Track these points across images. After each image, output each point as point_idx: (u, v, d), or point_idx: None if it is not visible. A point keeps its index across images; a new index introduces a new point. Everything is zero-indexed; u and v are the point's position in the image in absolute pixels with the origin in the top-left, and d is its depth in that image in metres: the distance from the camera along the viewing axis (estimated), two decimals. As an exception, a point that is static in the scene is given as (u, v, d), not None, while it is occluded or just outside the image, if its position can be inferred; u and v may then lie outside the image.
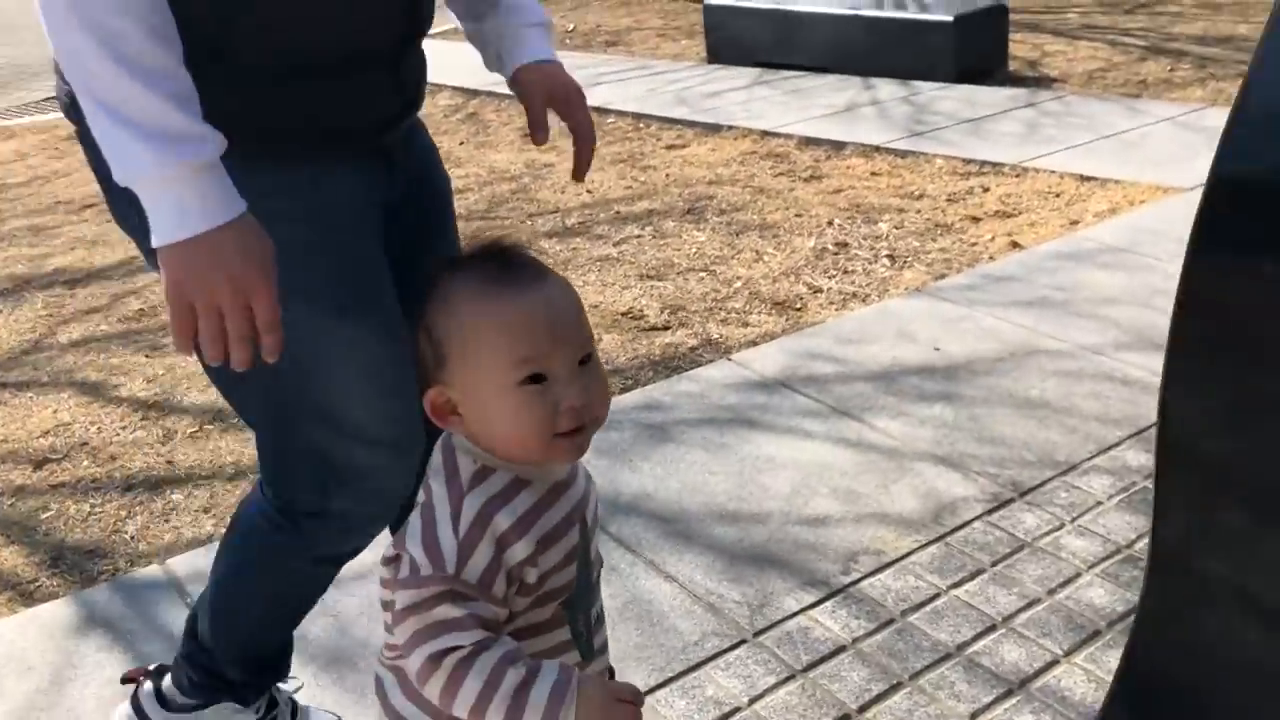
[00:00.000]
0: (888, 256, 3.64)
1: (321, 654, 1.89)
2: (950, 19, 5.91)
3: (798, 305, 3.31)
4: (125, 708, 1.61)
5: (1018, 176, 4.30)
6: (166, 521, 2.38)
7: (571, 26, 8.44)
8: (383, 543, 1.24)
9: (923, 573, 2.02)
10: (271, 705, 1.66)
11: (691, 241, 3.89)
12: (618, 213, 4.25)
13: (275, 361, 1.17)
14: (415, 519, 1.07)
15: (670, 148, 5.12)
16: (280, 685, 1.69)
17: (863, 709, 1.72)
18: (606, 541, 2.11)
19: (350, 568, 2.14)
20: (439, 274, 1.07)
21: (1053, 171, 4.28)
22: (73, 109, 1.20)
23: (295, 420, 1.35)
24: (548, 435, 1.03)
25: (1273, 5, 0.74)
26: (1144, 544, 2.01)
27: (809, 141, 5.00)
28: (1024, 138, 4.74)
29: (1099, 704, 1.54)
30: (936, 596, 1.95)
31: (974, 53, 5.96)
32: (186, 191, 1.09)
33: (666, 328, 3.18)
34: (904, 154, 4.68)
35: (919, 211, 4.02)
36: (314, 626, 1.95)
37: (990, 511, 2.17)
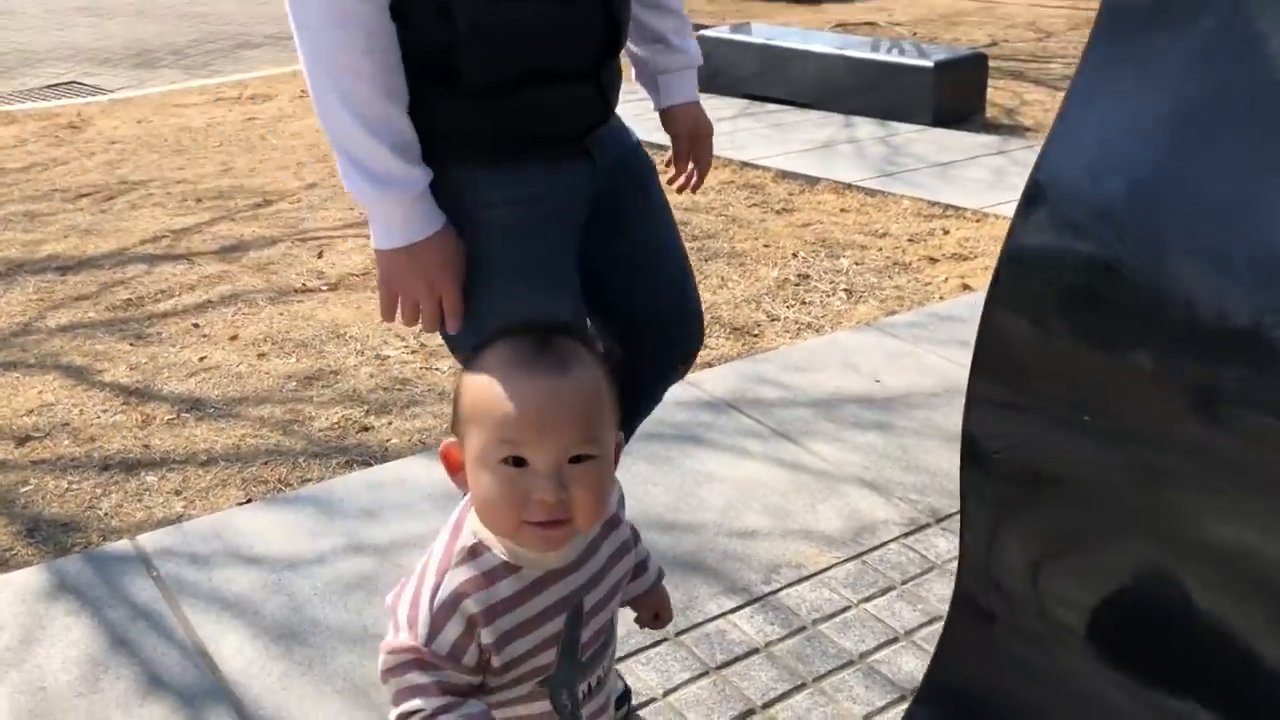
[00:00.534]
0: (845, 290, 3.82)
1: (274, 628, 2.04)
2: (931, 64, 6.12)
3: (755, 332, 3.48)
4: None
5: (978, 221, 4.48)
6: (139, 501, 2.52)
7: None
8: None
9: (837, 586, 2.18)
10: None
11: (661, 265, 4.05)
12: (594, 233, 4.41)
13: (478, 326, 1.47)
14: (413, 575, 1.13)
15: (651, 173, 5.29)
16: None
17: (766, 705, 1.88)
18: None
19: (305, 552, 2.30)
20: (496, 337, 1.12)
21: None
22: None
23: None
24: (516, 519, 1.05)
25: (1072, 81, 0.90)
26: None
27: (785, 175, 5.18)
28: (990, 184, 4.93)
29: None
30: (847, 609, 2.12)
31: (952, 98, 6.16)
32: (395, 216, 1.41)
33: (628, 346, 3.35)
34: (874, 193, 4.87)
35: (880, 249, 4.20)
36: (269, 604, 2.10)
37: (907, 534, 2.34)
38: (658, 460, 2.61)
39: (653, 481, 2.53)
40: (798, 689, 1.91)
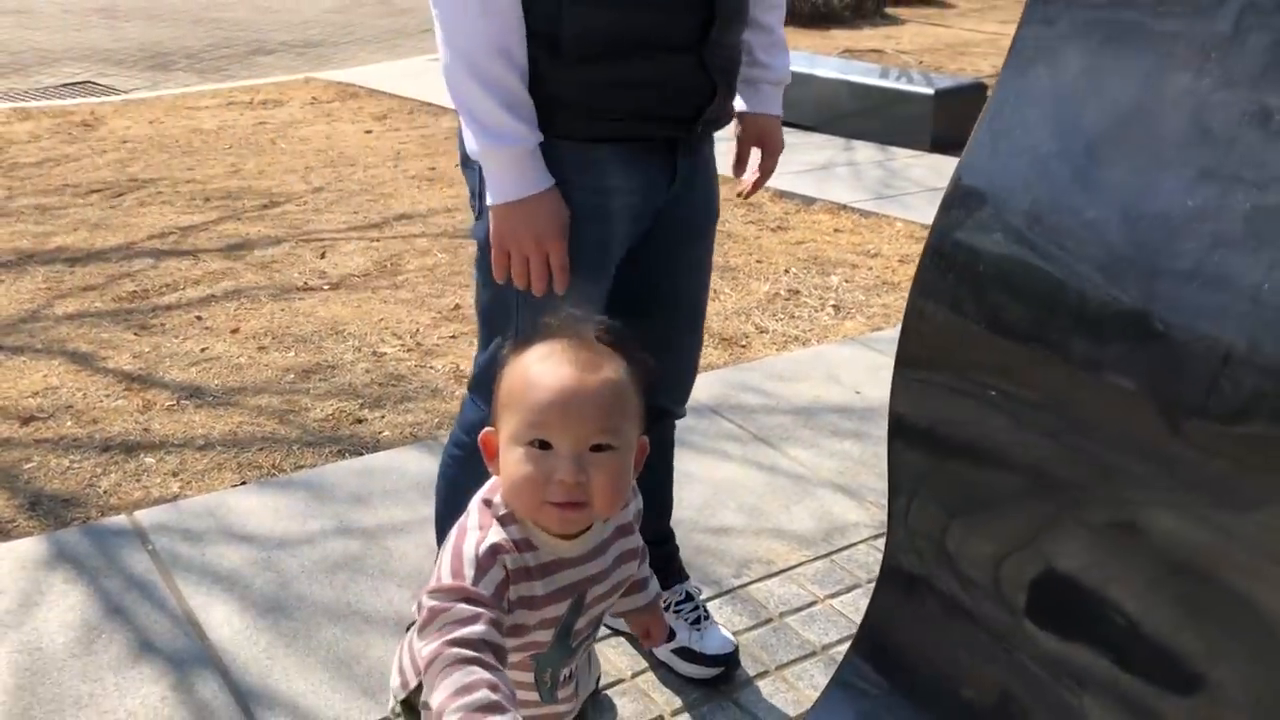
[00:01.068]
0: (833, 306, 3.91)
1: (262, 602, 2.12)
2: (931, 91, 6.24)
3: (743, 343, 3.57)
4: None
5: (968, 244, 4.58)
6: (137, 481, 2.61)
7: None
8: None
9: (805, 582, 2.26)
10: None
11: (655, 276, 4.15)
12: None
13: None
14: (454, 533, 1.20)
15: (651, 188, 5.39)
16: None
17: (730, 690, 1.96)
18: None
19: (295, 533, 2.38)
20: (533, 336, 1.21)
21: (1001, 243, 4.56)
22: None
23: (517, 303, 1.68)
24: (539, 498, 1.13)
25: (989, 98, 1.00)
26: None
27: (783, 194, 5.28)
28: (982, 209, 5.03)
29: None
30: (814, 603, 2.20)
31: (950, 125, 6.27)
32: (507, 171, 1.52)
33: (618, 352, 3.44)
34: (868, 214, 4.97)
35: (870, 269, 4.30)
36: (258, 579, 2.19)
37: (876, 536, 2.42)
38: (640, 459, 2.69)
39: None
40: (761, 675, 1.99)
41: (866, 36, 10.75)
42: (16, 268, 4.08)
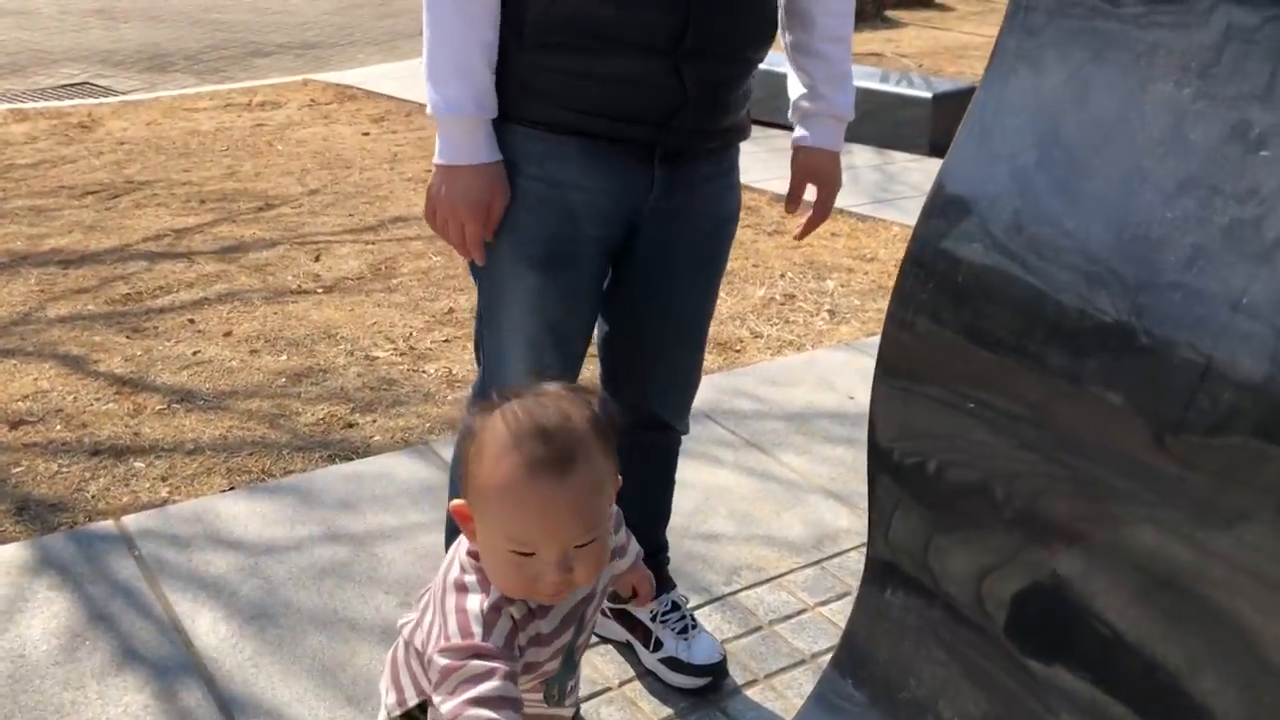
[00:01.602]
0: (828, 311, 3.90)
1: (248, 609, 2.11)
2: (929, 95, 6.23)
3: (737, 347, 3.56)
4: None
5: (964, 249, 4.57)
6: (126, 485, 2.60)
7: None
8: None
9: (795, 590, 2.25)
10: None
11: (650, 280, 4.14)
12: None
13: (488, 275, 1.68)
14: (451, 590, 1.18)
15: (648, 191, 5.38)
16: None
17: (718, 699, 1.94)
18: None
19: (282, 539, 2.37)
20: (499, 400, 1.15)
21: (998, 247, 4.55)
22: None
23: (485, 316, 1.76)
24: (526, 590, 1.14)
25: (969, 107, 0.99)
26: (992, 582, 2.24)
27: (780, 198, 5.27)
28: (979, 214, 5.02)
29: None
30: (803, 611, 2.19)
31: (949, 129, 6.25)
32: (454, 136, 1.56)
33: (612, 356, 3.43)
34: (865, 218, 4.96)
35: (866, 273, 4.29)
36: (244, 586, 2.17)
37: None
38: (631, 465, 2.68)
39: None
40: (750, 684, 1.98)
41: (866, 40, 10.75)
42: (9, 270, 4.07)
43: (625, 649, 2.03)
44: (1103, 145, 0.88)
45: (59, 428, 2.87)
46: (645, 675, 1.99)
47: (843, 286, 4.14)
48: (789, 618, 2.16)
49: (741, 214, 5.27)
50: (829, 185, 1.87)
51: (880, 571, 1.14)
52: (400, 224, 4.74)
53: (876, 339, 3.56)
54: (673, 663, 1.95)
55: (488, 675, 1.09)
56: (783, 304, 3.96)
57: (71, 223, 4.67)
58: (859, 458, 2.76)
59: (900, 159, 5.98)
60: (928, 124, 6.18)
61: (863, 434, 2.88)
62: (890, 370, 1.05)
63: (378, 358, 3.38)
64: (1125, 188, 0.86)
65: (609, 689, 1.96)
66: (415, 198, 5.13)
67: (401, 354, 3.41)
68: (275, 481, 2.60)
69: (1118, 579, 0.92)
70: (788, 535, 2.44)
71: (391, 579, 2.22)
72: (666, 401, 1.92)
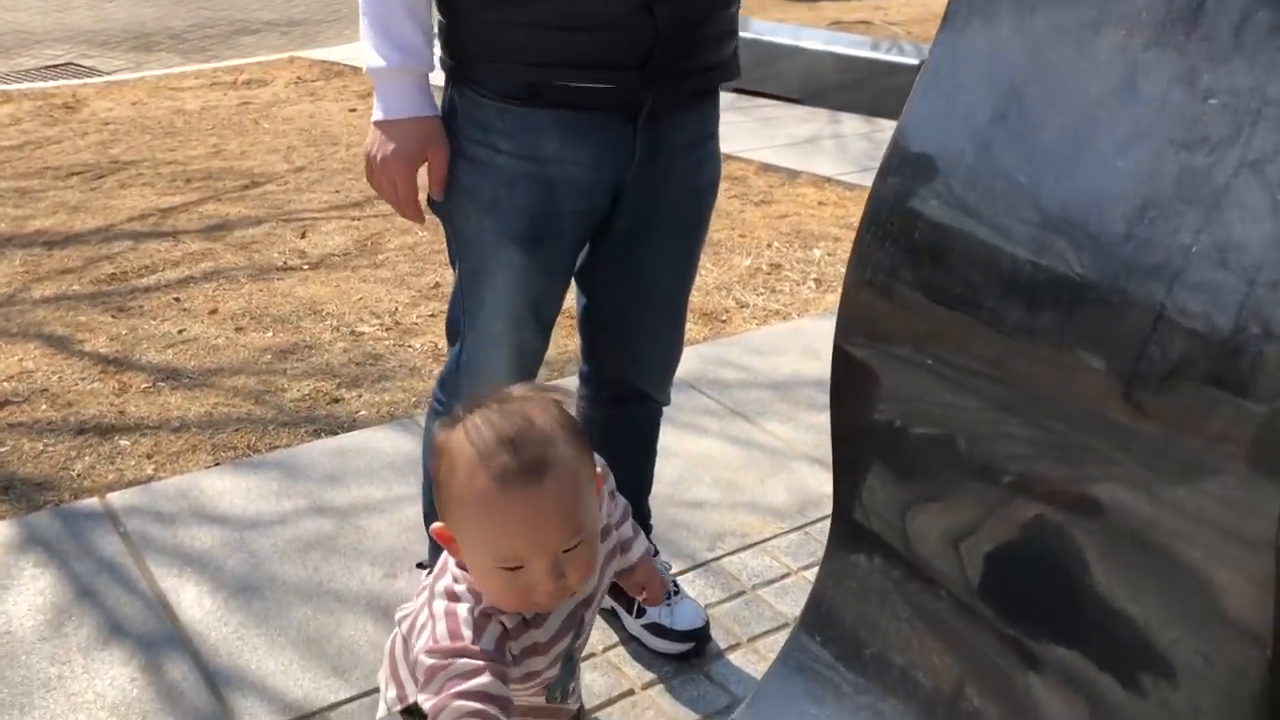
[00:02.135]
0: (815, 280, 3.90)
1: (233, 583, 2.12)
2: (917, 62, 6.20)
3: (723, 317, 3.56)
4: None
5: (952, 216, 4.56)
6: (112, 463, 2.60)
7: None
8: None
9: (779, 554, 2.26)
10: None
11: (637, 252, 4.14)
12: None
13: (469, 254, 1.68)
14: (441, 596, 1.16)
15: (635, 163, 5.37)
16: None
17: (701, 663, 1.96)
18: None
19: (267, 513, 2.38)
20: (462, 413, 1.11)
21: (985, 214, 4.54)
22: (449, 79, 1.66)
23: (466, 294, 1.73)
24: (521, 603, 1.12)
25: (924, 63, 0.99)
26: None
27: (767, 168, 5.26)
28: (967, 180, 5.01)
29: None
30: (786, 575, 2.20)
31: (937, 96, 6.24)
32: (387, 91, 1.57)
33: (598, 328, 3.43)
34: (852, 187, 4.95)
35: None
36: (229, 560, 2.18)
37: (851, 509, 2.42)
38: (616, 435, 2.69)
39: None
40: (733, 648, 2.00)
41: (855, 8, 10.69)
42: (-6, 251, 4.06)
43: (609, 615, 2.05)
44: (1056, 97, 0.88)
45: (44, 407, 2.87)
46: (629, 641, 2.00)
47: (829, 255, 4.13)
48: (772, 582, 2.18)
49: (728, 184, 5.26)
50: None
51: (845, 532, 1.15)
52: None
53: (863, 307, 3.58)
54: (656, 628, 1.96)
55: (476, 672, 1.08)
56: (769, 273, 3.95)
57: (56, 203, 4.65)
58: (843, 424, 2.77)
59: (888, 127, 5.96)
60: (916, 91, 6.16)
61: (848, 401, 2.91)
62: (850, 330, 1.05)
63: (363, 333, 3.37)
64: (1077, 139, 0.86)
65: (593, 654, 1.97)
66: (401, 173, 5.11)
67: (387, 329, 3.41)
68: (260, 457, 2.60)
69: (1078, 532, 0.93)
70: (771, 501, 2.45)
71: (377, 551, 2.23)
72: (648, 373, 1.92)
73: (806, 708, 1.10)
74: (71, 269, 3.88)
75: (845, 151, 5.50)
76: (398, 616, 1.29)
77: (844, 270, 3.67)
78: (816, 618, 1.16)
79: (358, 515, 2.35)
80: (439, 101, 1.66)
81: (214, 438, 2.72)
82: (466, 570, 1.16)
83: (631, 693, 1.89)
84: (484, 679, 1.07)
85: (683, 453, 2.62)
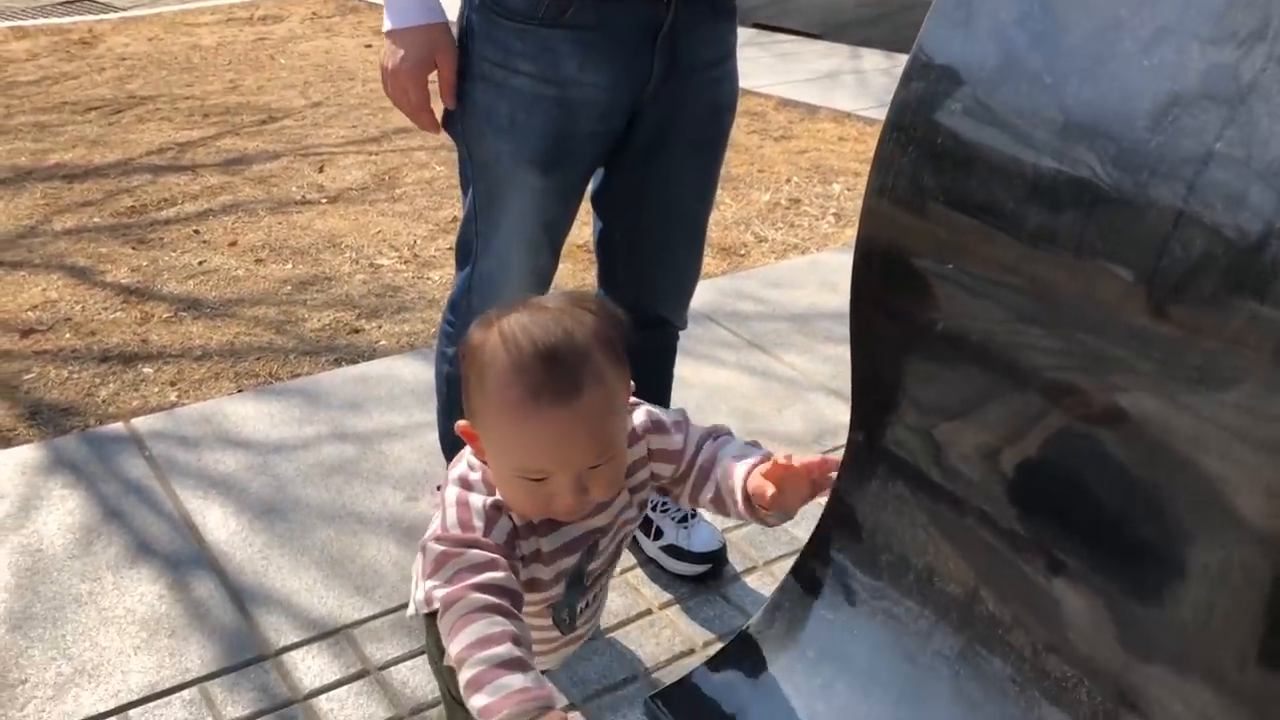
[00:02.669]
0: (834, 215, 3.88)
1: (257, 505, 2.15)
2: (940, -3, 6.11)
3: (741, 252, 3.55)
4: None
5: (973, 151, 4.52)
6: (136, 390, 2.64)
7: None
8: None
9: (795, 482, 2.28)
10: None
11: (655, 186, 4.12)
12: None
13: (484, 176, 1.67)
14: (455, 484, 1.16)
15: (653, 98, 5.33)
16: None
17: (718, 585, 1.99)
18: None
19: (290, 438, 2.41)
20: (497, 317, 1.08)
21: (1007, 150, 4.50)
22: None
23: (480, 217, 1.73)
24: (542, 511, 1.10)
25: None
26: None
27: (786, 103, 5.21)
28: (989, 116, 4.95)
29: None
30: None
31: (960, 32, 6.15)
32: (395, 3, 1.59)
33: (616, 261, 3.43)
34: (872, 121, 4.90)
35: (873, 176, 4.26)
36: (253, 483, 2.22)
37: (867, 438, 2.43)
38: (634, 365, 2.70)
39: (628, 384, 2.62)
40: (749, 571, 2.02)
41: (878, -57, 10.50)
42: (15, 184, 4.08)
43: (629, 546, 2.07)
44: (1075, 10, 0.86)
45: (68, 336, 2.90)
46: (647, 563, 2.03)
47: (849, 190, 4.10)
48: (788, 509, 2.19)
49: (747, 119, 5.22)
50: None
51: (863, 441, 1.16)
52: (403, 135, 4.71)
53: (882, 241, 3.57)
54: (673, 550, 1.98)
55: (490, 565, 1.06)
56: (788, 208, 3.94)
57: (75, 138, 4.66)
58: (861, 356, 2.77)
59: (910, 63, 5.88)
60: (938, 26, 6.07)
61: (866, 333, 2.90)
62: (870, 236, 1.05)
63: (382, 265, 3.39)
64: (1103, 39, 0.86)
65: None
66: (419, 108, 5.09)
67: (406, 262, 3.42)
68: (282, 384, 2.63)
69: (1095, 437, 0.94)
70: (788, 430, 2.46)
71: (399, 475, 2.26)
72: (665, 296, 1.92)
73: (823, 612, 1.12)
74: (91, 202, 3.90)
75: (865, 87, 5.44)
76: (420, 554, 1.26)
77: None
78: (834, 525, 1.18)
79: (379, 441, 2.38)
80: (457, 24, 1.65)
81: (236, 366, 2.75)
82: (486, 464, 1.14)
83: (649, 613, 1.92)
84: (498, 573, 1.05)
85: (700, 383, 2.63)
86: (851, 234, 3.68)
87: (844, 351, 2.78)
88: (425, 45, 1.60)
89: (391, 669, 1.76)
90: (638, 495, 1.24)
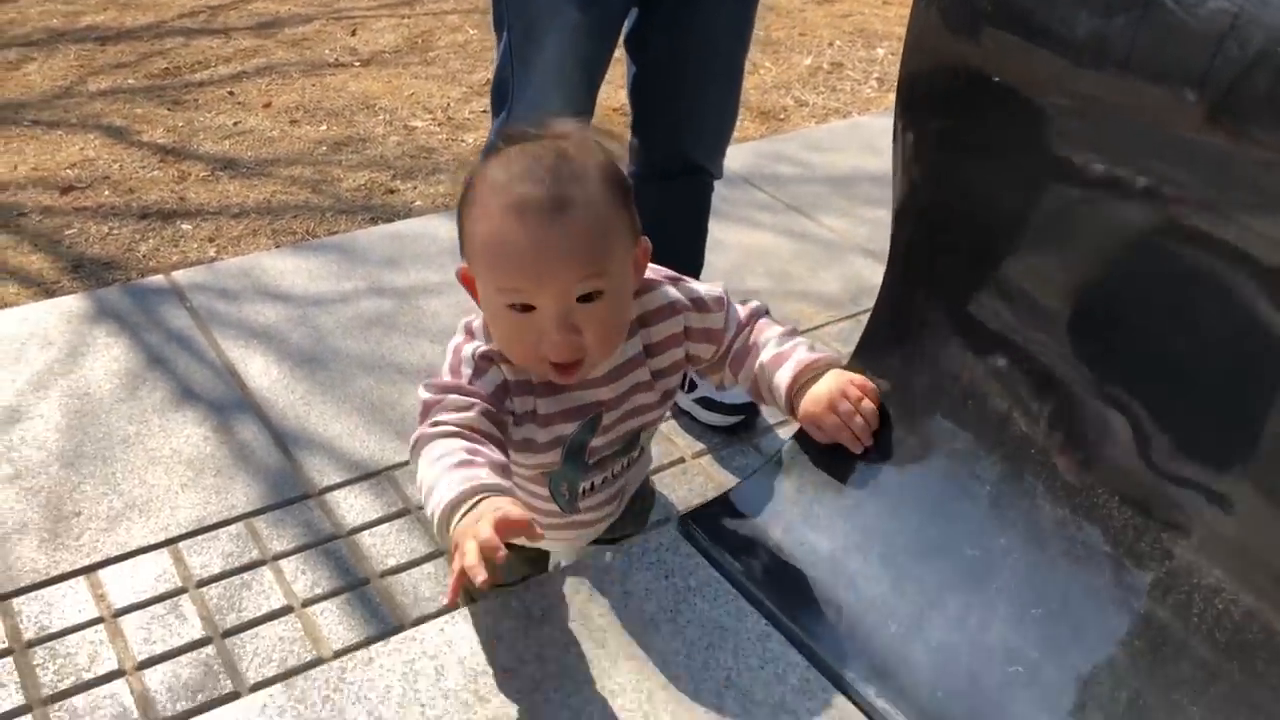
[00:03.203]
0: (877, 79, 3.79)
1: (298, 355, 2.19)
2: None
3: (781, 116, 3.49)
4: None
5: (1022, 16, 4.38)
6: (175, 246, 2.66)
7: None
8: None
9: (830, 340, 2.28)
10: None
11: (693, 50, 4.04)
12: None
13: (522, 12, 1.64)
14: (459, 331, 1.12)
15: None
16: None
17: (750, 436, 2.01)
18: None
19: (329, 292, 2.42)
20: (502, 145, 1.04)
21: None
22: None
23: (515, 55, 1.70)
24: (532, 355, 1.03)
25: None
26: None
27: (830, -33, 5.05)
28: (1040, -19, 4.78)
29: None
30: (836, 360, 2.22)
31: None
32: None
33: (652, 125, 3.38)
34: (918, -14, 4.74)
35: (917, 41, 4.14)
36: (293, 334, 2.24)
37: (904, 298, 2.42)
38: (669, 225, 2.69)
39: (663, 244, 2.61)
40: (782, 424, 2.04)
41: None
42: (48, 46, 4.06)
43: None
44: None
45: (107, 193, 2.92)
46: (681, 414, 2.05)
47: (893, 55, 4.00)
48: (823, 365, 2.20)
49: (790, -17, 5.03)
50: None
51: (900, 267, 1.16)
52: (437, -3, 4.62)
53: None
54: (706, 402, 2.00)
55: (465, 408, 1.02)
56: (830, 72, 3.85)
57: (105, 0, 4.61)
58: (900, 218, 2.74)
59: (960, -74, 5.66)
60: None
61: (905, 197, 2.86)
62: (917, 50, 1.02)
63: (416, 127, 3.36)
64: None
65: (645, 427, 2.02)
66: (452, -29, 4.97)
67: (440, 124, 3.39)
68: (319, 240, 2.64)
69: (1139, 252, 0.93)
70: (824, 291, 2.45)
71: (436, 329, 2.28)
72: (700, 141, 1.90)
73: (856, 437, 1.14)
74: (125, 64, 3.88)
75: (913, -49, 5.26)
76: None
77: (906, 70, 3.54)
78: (869, 351, 1.18)
79: (416, 296, 2.39)
80: None
81: (273, 223, 2.76)
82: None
83: (682, 461, 1.95)
84: (469, 414, 1.02)
85: (736, 245, 2.62)
86: (894, 99, 3.60)
87: (884, 214, 2.74)
88: None
89: (431, 509, 1.81)
90: (662, 381, 1.16)
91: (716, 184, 2.03)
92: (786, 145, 3.17)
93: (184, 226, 2.75)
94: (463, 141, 3.27)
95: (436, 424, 1.01)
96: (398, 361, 2.18)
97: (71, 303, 2.34)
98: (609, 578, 1.14)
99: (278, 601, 1.64)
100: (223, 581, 1.67)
